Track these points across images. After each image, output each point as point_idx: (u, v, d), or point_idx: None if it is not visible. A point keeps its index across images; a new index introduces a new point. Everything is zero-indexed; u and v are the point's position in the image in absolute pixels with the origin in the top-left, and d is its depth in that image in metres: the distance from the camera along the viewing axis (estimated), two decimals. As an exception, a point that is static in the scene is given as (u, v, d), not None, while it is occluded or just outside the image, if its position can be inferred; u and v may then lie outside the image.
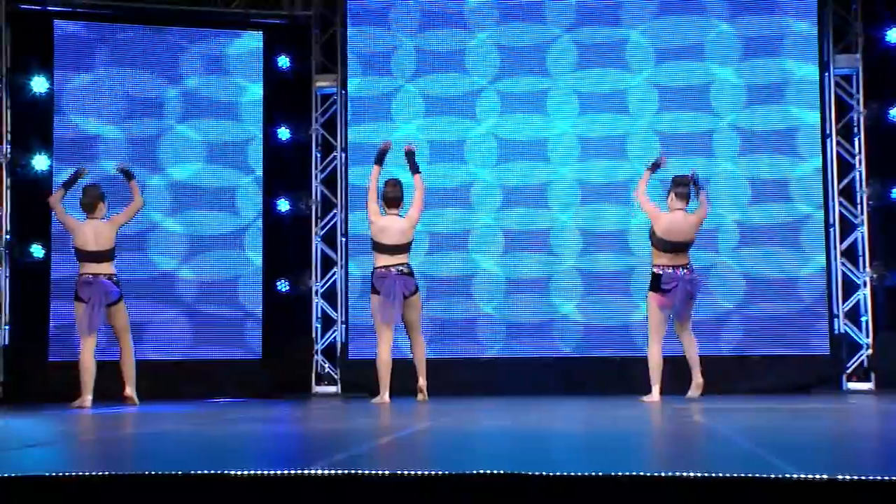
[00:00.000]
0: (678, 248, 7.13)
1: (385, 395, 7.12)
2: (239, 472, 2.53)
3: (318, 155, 9.48)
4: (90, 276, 7.08)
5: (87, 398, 6.98)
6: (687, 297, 7.12)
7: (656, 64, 9.10)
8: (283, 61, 9.45)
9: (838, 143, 9.02)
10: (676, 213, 7.19)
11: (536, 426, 4.65)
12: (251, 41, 9.43)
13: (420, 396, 7.26)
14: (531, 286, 9.04)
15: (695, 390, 7.21)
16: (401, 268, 7.15)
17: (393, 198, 7.32)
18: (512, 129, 9.19)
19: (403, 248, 7.22)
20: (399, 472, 2.54)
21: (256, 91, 9.37)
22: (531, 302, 9.03)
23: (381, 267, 7.17)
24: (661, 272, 7.10)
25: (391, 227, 7.22)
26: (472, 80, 9.25)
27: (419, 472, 2.52)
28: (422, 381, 7.28)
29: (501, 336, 9.03)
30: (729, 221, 8.92)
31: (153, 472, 2.57)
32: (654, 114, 9.07)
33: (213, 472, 2.56)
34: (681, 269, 7.11)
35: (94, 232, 7.17)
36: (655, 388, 7.07)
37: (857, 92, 9.02)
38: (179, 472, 2.57)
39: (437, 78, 9.27)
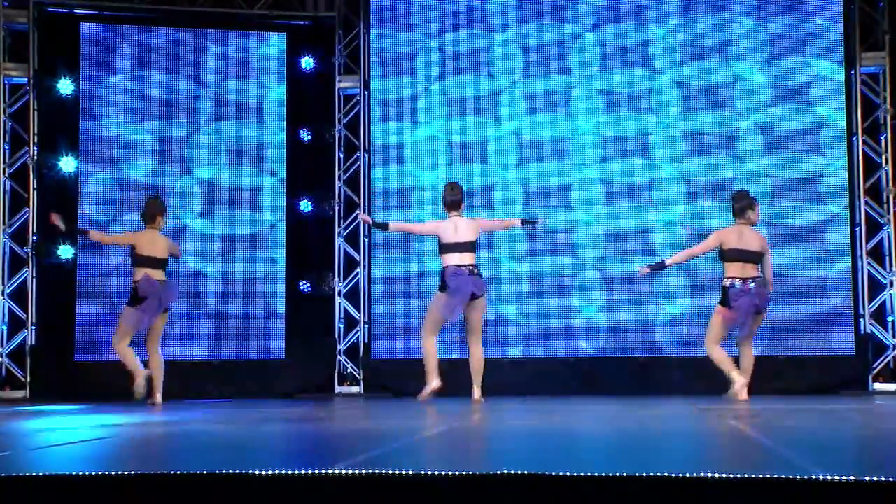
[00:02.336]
0: (748, 257, 6.98)
1: (436, 381, 7.14)
2: (263, 472, 2.54)
3: (342, 155, 9.50)
4: (156, 280, 7.26)
5: (140, 381, 7.15)
6: (754, 311, 6.97)
7: (681, 63, 9.06)
8: (307, 62, 9.48)
9: (864, 143, 8.95)
10: (740, 226, 7.05)
11: (561, 426, 4.64)
12: (275, 42, 9.47)
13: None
14: (554, 287, 9.02)
15: (739, 389, 7.01)
16: (472, 267, 7.17)
17: (453, 201, 7.32)
18: (535, 130, 9.18)
19: (469, 247, 7.22)
20: (422, 473, 2.54)
21: (280, 92, 9.40)
22: (554, 303, 9.01)
23: (453, 265, 7.20)
24: (729, 285, 6.96)
25: (456, 225, 7.25)
26: (495, 80, 9.25)
27: (442, 473, 2.52)
28: (476, 394, 7.21)
29: (524, 337, 9.02)
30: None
31: (178, 472, 2.58)
32: (679, 113, 9.03)
33: (237, 472, 2.57)
34: (750, 282, 6.94)
35: (152, 240, 7.35)
36: (734, 374, 6.96)
37: (884, 90, 8.94)
38: (204, 472, 2.58)
39: (460, 78, 9.28)
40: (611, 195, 9.05)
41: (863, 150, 8.93)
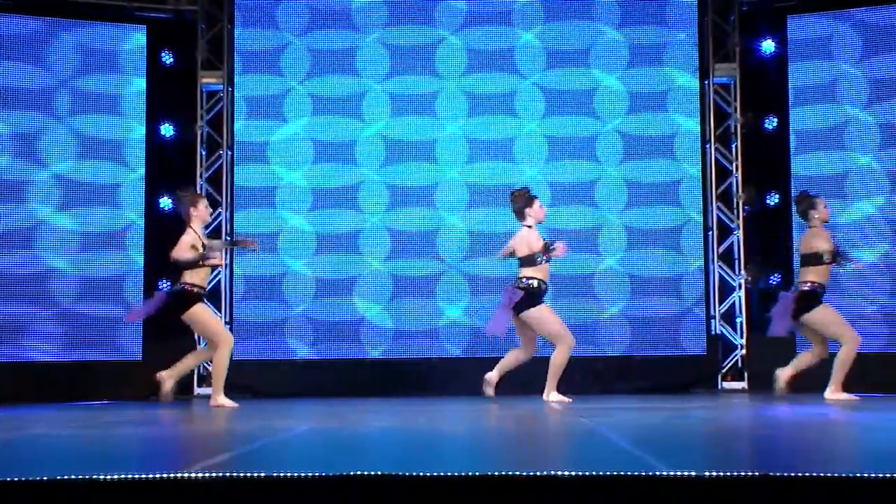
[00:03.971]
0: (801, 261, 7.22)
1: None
2: (117, 476, 2.48)
3: (204, 153, 9.33)
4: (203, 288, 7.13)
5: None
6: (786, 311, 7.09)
7: (545, 68, 9.23)
8: (168, 57, 9.26)
9: (717, 150, 9.30)
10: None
11: (424, 426, 4.67)
12: (135, 35, 9.22)
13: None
14: (417, 287, 9.07)
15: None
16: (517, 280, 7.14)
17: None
18: (400, 131, 9.21)
19: (520, 262, 7.15)
20: (276, 475, 2.52)
21: (140, 86, 9.16)
22: (417, 304, 9.06)
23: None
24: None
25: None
26: (360, 80, 9.24)
27: (296, 475, 2.51)
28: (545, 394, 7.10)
29: (386, 338, 9.03)
30: (613, 225, 9.11)
31: (25, 479, 2.49)
32: (542, 117, 9.20)
33: (89, 476, 2.50)
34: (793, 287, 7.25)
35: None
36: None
37: (735, 100, 9.32)
38: (55, 478, 2.50)
39: (326, 78, 9.23)
40: (475, 197, 9.16)
41: (715, 157, 9.28)
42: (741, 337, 9.16)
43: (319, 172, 9.17)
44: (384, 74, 9.24)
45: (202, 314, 7.04)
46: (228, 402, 6.94)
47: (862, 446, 3.68)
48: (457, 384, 8.67)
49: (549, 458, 3.27)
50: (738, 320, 9.19)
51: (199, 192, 7.50)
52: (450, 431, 4.48)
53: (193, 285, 6.99)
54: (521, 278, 7.10)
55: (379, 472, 2.50)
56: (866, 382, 8.21)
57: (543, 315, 7.06)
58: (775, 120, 9.24)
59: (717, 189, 9.25)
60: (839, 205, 8.85)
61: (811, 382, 7.19)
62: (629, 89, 9.21)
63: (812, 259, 7.07)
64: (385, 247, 9.08)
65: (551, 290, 8.99)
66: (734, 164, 9.30)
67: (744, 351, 9.13)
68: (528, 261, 7.07)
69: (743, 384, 9.07)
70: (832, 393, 6.93)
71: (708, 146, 9.25)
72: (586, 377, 8.78)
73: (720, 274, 9.22)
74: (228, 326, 9.09)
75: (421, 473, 2.50)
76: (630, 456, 3.13)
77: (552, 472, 2.50)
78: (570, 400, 6.87)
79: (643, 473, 2.51)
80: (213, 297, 9.17)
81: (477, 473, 2.52)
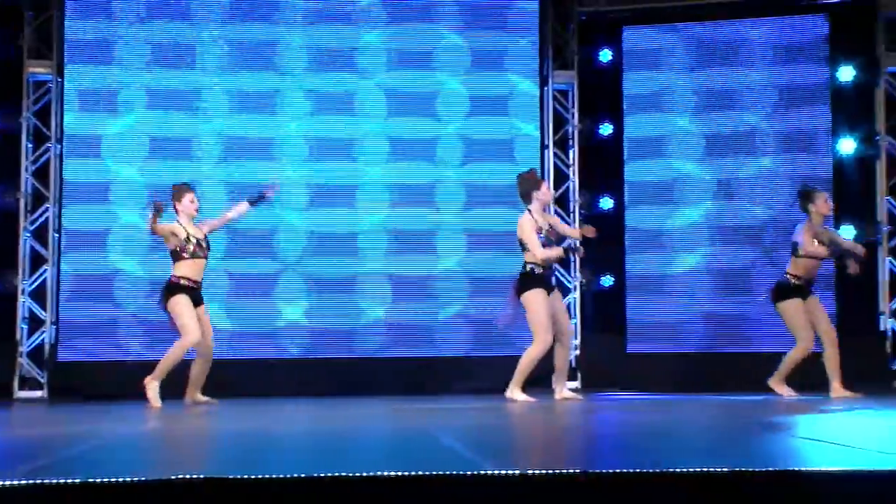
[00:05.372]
0: None
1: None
2: None
3: (30, 145, 8.91)
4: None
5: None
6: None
7: (387, 69, 9.22)
8: (-10, 44, 8.81)
9: (555, 155, 9.49)
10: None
11: (263, 427, 4.57)
12: (-44, 19, 8.75)
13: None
14: (254, 287, 8.92)
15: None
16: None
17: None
18: (240, 128, 9.04)
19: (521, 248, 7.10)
20: (92, 481, 2.41)
21: (-40, 73, 8.69)
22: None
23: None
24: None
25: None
26: (199, 75, 9.01)
27: (109, 480, 2.41)
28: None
29: (306, 338, 8.88)
30: (453, 226, 9.17)
31: None
32: (385, 119, 9.18)
33: None
34: None
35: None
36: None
37: (573, 107, 9.53)
38: None
39: (163, 71, 8.97)
40: (315, 197, 9.06)
41: (553, 162, 9.47)
42: (576, 338, 9.37)
43: (155, 168, 8.89)
44: (223, 70, 9.05)
45: (181, 306, 6.93)
46: (154, 399, 6.86)
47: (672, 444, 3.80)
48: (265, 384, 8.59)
49: (375, 458, 3.25)
50: (574, 322, 9.39)
51: (185, 184, 7.22)
52: (286, 432, 4.41)
53: (181, 277, 6.97)
54: (524, 263, 7.16)
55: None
56: (688, 382, 8.56)
57: (533, 303, 7.07)
58: (610, 127, 9.52)
59: (555, 193, 9.43)
60: (668, 210, 9.18)
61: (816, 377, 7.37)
62: (470, 93, 9.30)
63: (791, 250, 7.41)
64: (222, 245, 8.88)
65: (392, 290, 9.03)
66: (571, 169, 9.51)
67: (578, 351, 9.34)
68: (524, 247, 7.14)
69: (577, 384, 9.28)
70: (775, 383, 7.31)
71: (546, 151, 9.43)
72: (425, 378, 8.83)
73: (557, 275, 9.40)
74: (54, 327, 8.72)
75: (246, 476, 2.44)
76: (456, 454, 3.13)
77: (380, 473, 2.48)
78: (535, 400, 6.88)
79: (469, 473, 2.51)
80: (38, 296, 8.80)
81: (300, 475, 2.47)
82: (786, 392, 7.26)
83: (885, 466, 2.66)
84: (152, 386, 6.88)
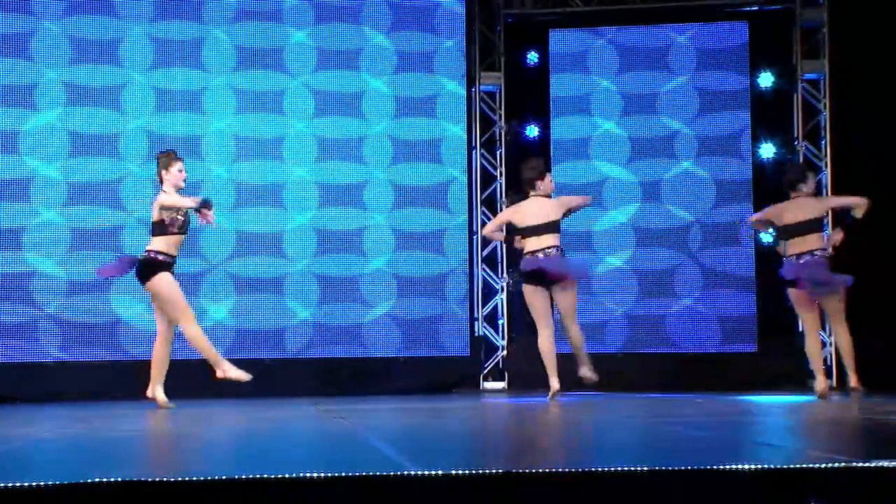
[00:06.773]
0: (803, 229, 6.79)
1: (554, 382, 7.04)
2: None
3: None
4: None
5: None
6: (815, 283, 6.66)
7: (315, 69, 9.19)
8: None
9: (482, 156, 9.55)
10: (798, 198, 6.85)
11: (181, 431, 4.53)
12: None
13: None
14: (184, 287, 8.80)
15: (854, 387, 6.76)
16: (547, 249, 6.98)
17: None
18: (165, 126, 8.92)
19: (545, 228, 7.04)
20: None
21: None
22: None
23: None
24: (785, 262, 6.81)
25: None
26: (122, 71, 8.88)
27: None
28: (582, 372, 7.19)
29: (232, 338, 8.77)
30: (380, 226, 9.17)
31: None
32: (312, 118, 9.15)
33: None
34: (807, 255, 6.71)
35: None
36: (820, 377, 6.87)
37: (500, 108, 9.60)
38: None
39: (83, 67, 8.81)
40: (242, 197, 8.99)
41: (481, 163, 9.53)
42: (502, 338, 9.44)
43: (76, 166, 8.73)
44: (149, 67, 8.92)
45: (168, 284, 6.61)
46: (236, 373, 6.61)
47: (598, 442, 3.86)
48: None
49: (301, 458, 3.25)
50: (500, 322, 9.47)
51: (173, 152, 6.82)
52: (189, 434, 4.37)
53: (159, 252, 6.62)
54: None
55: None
56: (615, 383, 8.67)
57: (527, 295, 7.12)
58: (536, 128, 9.62)
59: (482, 194, 9.50)
60: (594, 213, 9.29)
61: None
62: (397, 93, 9.30)
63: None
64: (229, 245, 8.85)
65: (319, 290, 9.00)
66: (498, 170, 9.58)
67: (504, 352, 9.41)
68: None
69: (503, 384, 9.36)
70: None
71: (474, 152, 9.48)
72: (352, 378, 8.83)
73: (484, 277, 9.47)
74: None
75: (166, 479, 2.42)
76: (380, 455, 3.14)
77: (300, 474, 2.48)
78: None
79: (392, 473, 2.53)
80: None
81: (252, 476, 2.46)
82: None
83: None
84: (226, 371, 6.64)
